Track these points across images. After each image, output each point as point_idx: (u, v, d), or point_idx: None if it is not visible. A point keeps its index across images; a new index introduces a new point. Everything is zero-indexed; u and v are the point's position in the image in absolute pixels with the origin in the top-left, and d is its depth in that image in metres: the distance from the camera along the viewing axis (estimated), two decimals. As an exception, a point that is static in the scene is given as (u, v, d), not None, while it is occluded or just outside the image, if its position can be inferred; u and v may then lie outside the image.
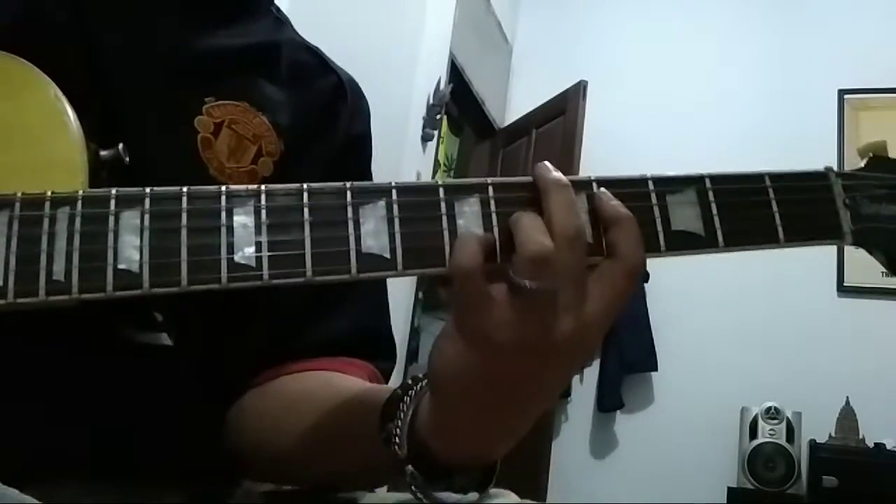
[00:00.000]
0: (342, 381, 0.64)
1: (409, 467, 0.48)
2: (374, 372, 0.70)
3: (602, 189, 0.48)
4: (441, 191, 0.48)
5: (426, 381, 0.50)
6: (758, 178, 0.51)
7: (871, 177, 0.53)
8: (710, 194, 0.50)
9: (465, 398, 0.47)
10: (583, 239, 0.46)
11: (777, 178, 0.51)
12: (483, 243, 0.46)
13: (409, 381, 0.51)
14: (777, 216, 0.50)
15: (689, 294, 3.80)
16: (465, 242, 0.46)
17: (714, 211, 0.50)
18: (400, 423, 0.49)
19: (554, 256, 0.44)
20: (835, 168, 0.53)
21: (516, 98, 4.69)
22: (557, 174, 0.48)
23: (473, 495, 0.50)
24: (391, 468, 0.50)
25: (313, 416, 0.59)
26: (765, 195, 0.51)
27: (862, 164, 0.54)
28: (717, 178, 0.51)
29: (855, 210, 0.52)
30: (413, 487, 0.48)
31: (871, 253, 0.52)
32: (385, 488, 0.65)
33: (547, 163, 0.48)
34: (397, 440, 0.49)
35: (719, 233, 0.48)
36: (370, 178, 0.78)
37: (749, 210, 0.51)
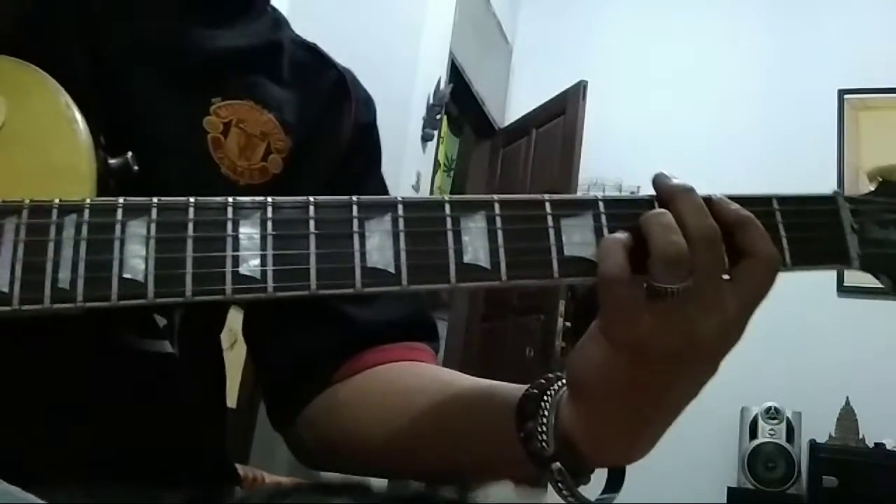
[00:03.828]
0: (447, 375, 0.65)
1: (557, 464, 0.49)
2: (433, 355, 0.71)
3: (718, 195, 0.49)
4: (447, 207, 0.48)
5: (561, 381, 0.52)
6: (765, 200, 0.51)
7: (879, 202, 0.53)
8: None
9: (613, 401, 0.48)
10: (719, 238, 0.47)
11: (784, 201, 0.51)
12: (628, 248, 0.46)
13: (543, 381, 0.52)
14: (784, 240, 0.50)
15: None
16: (612, 250, 0.46)
17: None
18: (545, 422, 0.50)
19: (692, 258, 0.45)
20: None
21: (516, 98, 4.69)
22: (679, 180, 0.49)
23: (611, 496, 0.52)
24: (520, 463, 0.51)
25: (433, 411, 0.60)
26: (772, 218, 0.50)
27: (870, 186, 0.54)
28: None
29: (863, 235, 0.51)
30: (559, 484, 0.49)
31: (877, 278, 0.52)
32: (385, 483, 0.65)
33: (664, 171, 0.49)
34: (543, 438, 0.50)
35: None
36: (380, 166, 0.79)
37: None
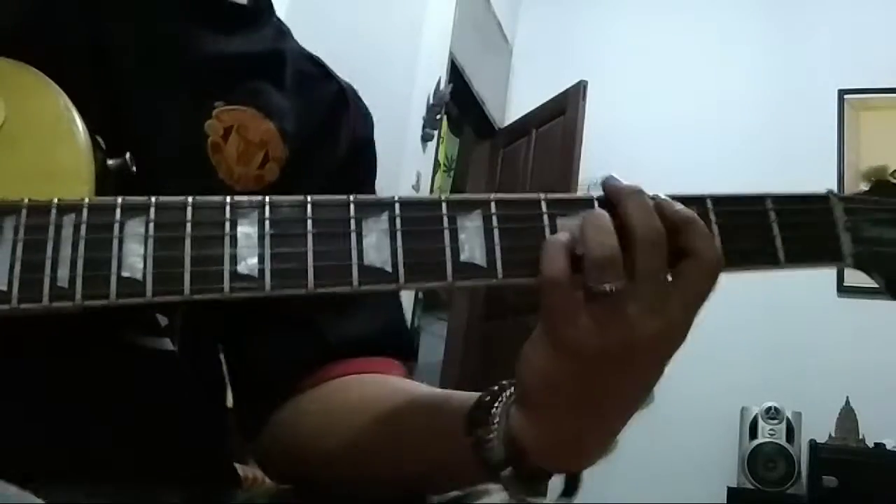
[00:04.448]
0: (405, 384, 0.66)
1: (509, 470, 0.49)
2: (405, 371, 0.71)
3: (662, 195, 0.49)
4: (444, 206, 0.48)
5: (513, 387, 0.51)
6: (759, 199, 0.51)
7: (872, 200, 0.53)
8: (712, 215, 0.50)
9: (558, 406, 0.48)
10: (664, 240, 0.47)
11: (778, 199, 0.52)
12: (570, 250, 0.46)
13: (496, 388, 0.52)
14: (778, 238, 0.50)
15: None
16: (554, 253, 0.46)
17: (715, 232, 0.50)
18: (495, 429, 0.50)
19: (633, 259, 0.45)
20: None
21: (516, 98, 4.69)
22: (628, 182, 0.49)
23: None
24: (473, 471, 0.51)
25: (388, 419, 0.60)
26: (766, 217, 0.51)
27: (862, 185, 0.55)
28: (718, 200, 0.51)
29: (856, 234, 0.52)
30: (509, 490, 0.49)
31: (870, 276, 0.52)
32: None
33: (614, 174, 0.49)
34: (493, 445, 0.50)
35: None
36: (374, 182, 0.79)
37: (750, 231, 0.51)
